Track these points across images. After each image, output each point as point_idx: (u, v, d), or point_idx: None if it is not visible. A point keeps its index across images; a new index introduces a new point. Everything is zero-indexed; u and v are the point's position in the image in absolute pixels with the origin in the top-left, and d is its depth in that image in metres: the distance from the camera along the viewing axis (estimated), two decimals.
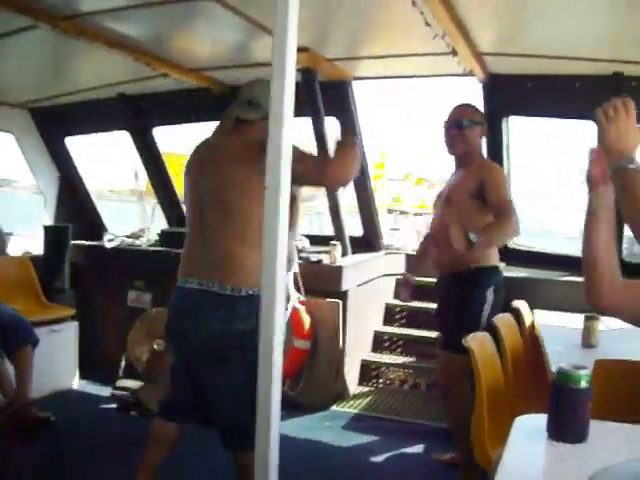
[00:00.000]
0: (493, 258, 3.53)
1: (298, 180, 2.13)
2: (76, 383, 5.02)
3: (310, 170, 2.50)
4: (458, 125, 3.53)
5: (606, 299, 1.87)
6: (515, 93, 4.62)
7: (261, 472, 1.84)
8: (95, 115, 5.79)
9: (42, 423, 4.04)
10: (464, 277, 3.46)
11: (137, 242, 5.80)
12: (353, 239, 5.29)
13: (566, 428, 1.53)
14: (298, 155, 2.09)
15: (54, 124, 5.94)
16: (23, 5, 3.53)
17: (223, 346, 2.57)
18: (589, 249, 1.84)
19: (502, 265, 3.76)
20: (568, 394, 1.52)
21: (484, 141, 3.78)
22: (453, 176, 3.68)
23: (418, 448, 4.05)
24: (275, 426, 1.85)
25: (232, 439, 2.66)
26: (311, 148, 4.26)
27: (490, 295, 3.43)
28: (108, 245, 5.80)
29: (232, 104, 2.80)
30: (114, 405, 4.54)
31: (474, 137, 3.57)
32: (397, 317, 5.62)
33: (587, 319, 3.18)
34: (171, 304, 2.78)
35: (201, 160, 2.75)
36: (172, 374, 2.88)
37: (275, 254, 1.76)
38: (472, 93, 4.80)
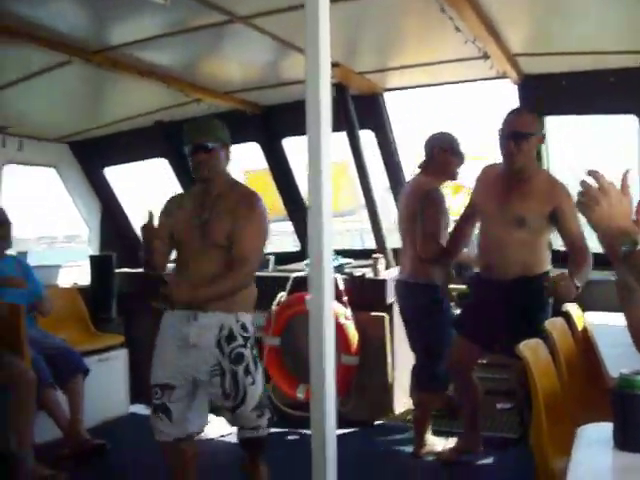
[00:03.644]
0: (548, 262, 3.49)
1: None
2: (128, 410, 5.06)
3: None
4: (516, 136, 3.27)
5: None
6: (551, 92, 4.54)
7: None
8: (133, 144, 5.87)
9: (97, 451, 4.07)
10: (527, 284, 3.39)
11: None
12: (395, 251, 5.23)
13: (634, 437, 1.46)
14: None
15: (93, 156, 6.04)
16: (56, 42, 3.61)
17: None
18: (635, 324, 1.70)
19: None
20: (634, 401, 1.46)
21: None
22: (498, 184, 3.47)
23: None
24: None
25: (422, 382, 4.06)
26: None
27: (551, 301, 3.40)
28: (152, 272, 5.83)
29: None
30: None
31: (531, 149, 3.36)
32: None
33: None
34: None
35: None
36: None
37: (322, 268, 1.77)
38: (504, 96, 4.75)
